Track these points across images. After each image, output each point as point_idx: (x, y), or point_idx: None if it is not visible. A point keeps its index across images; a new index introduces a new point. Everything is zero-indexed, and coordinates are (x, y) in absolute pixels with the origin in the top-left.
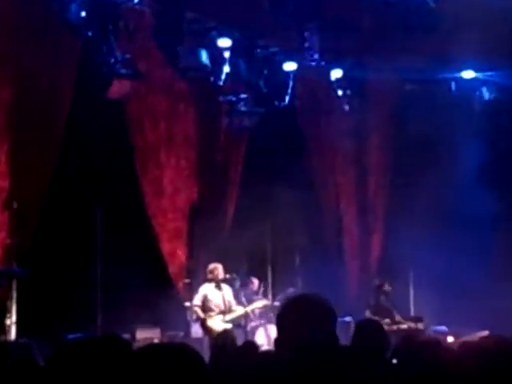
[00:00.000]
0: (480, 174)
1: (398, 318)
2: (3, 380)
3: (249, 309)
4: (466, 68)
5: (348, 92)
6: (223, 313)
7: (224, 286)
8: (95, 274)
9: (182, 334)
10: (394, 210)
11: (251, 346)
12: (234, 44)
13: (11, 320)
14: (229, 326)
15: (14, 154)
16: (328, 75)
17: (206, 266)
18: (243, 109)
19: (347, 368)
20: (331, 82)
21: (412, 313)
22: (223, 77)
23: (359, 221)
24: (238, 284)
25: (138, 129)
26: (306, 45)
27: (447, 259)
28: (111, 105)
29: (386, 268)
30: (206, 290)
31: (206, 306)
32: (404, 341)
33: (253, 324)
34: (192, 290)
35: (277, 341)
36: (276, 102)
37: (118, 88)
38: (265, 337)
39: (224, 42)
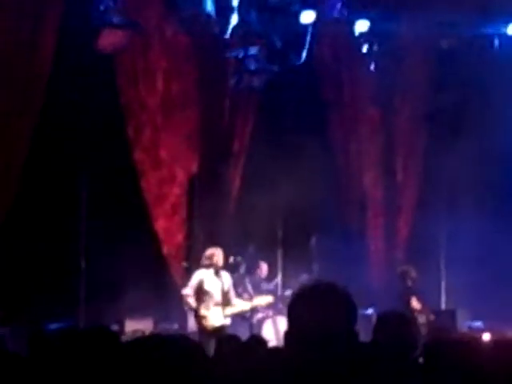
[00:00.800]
0: None
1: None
2: None
3: (249, 306)
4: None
5: (375, 48)
6: (222, 305)
7: (224, 274)
8: (78, 254)
9: (176, 326)
10: (425, 185)
11: (257, 341)
12: None
13: None
14: (228, 321)
15: None
16: (352, 28)
17: (206, 248)
18: (253, 66)
19: (366, 368)
20: (355, 37)
21: (443, 303)
22: (230, 29)
23: (385, 197)
24: (243, 269)
25: (131, 88)
26: None
27: (486, 242)
28: (100, 59)
29: (414, 252)
30: (202, 276)
31: (200, 296)
32: (433, 338)
33: (259, 316)
34: (190, 275)
35: (287, 335)
36: (291, 59)
37: (109, 39)
38: (273, 330)
39: None
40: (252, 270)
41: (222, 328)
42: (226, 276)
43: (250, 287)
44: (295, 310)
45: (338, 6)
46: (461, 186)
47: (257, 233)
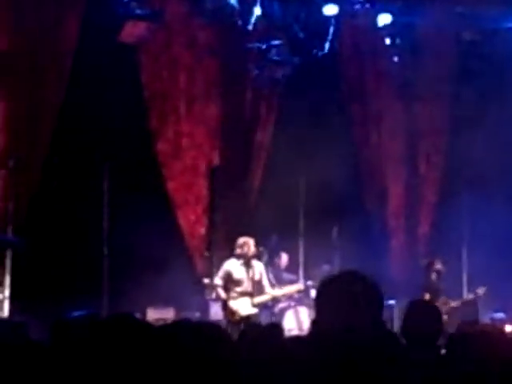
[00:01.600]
0: None
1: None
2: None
3: (279, 293)
4: None
5: (397, 41)
6: (251, 295)
7: (256, 263)
8: (101, 244)
9: (198, 315)
10: (449, 176)
11: (276, 328)
12: None
13: (3, 295)
14: (255, 311)
15: (11, 104)
16: (375, 20)
17: (227, 238)
18: (275, 58)
19: (392, 356)
20: (378, 29)
21: (465, 295)
22: (253, 20)
23: (407, 188)
24: (265, 260)
25: (154, 78)
26: None
27: (509, 233)
28: (123, 50)
29: (436, 243)
30: (231, 266)
31: (229, 286)
32: (459, 329)
33: (281, 306)
34: (212, 264)
35: (314, 323)
36: (314, 51)
37: (132, 31)
38: (295, 320)
39: None
40: (273, 260)
41: (248, 317)
42: (258, 265)
43: (272, 277)
44: (322, 299)
45: None
46: (483, 178)
47: (278, 224)
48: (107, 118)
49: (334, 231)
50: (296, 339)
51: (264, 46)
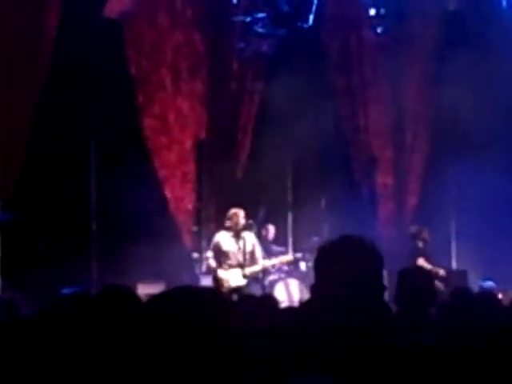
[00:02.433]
0: None
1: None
2: None
3: (270, 263)
4: None
5: (382, 11)
6: (241, 266)
7: (246, 234)
8: (89, 219)
9: None
10: (436, 148)
11: (270, 300)
12: None
13: None
14: (244, 281)
15: None
16: None
17: (215, 212)
18: (260, 31)
19: (392, 322)
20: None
21: (454, 264)
22: None
23: (395, 158)
24: (254, 232)
25: (138, 53)
26: None
27: (496, 203)
28: (107, 25)
29: (424, 213)
30: (220, 238)
31: (219, 258)
32: (453, 296)
33: (271, 278)
34: (200, 239)
35: (314, 288)
36: (298, 23)
37: (117, 5)
38: (285, 292)
39: None
40: (261, 233)
41: (238, 289)
42: (249, 236)
43: (261, 250)
44: (322, 264)
45: None
46: (471, 146)
47: (266, 197)
48: (93, 94)
49: (322, 203)
50: (291, 309)
51: (249, 19)
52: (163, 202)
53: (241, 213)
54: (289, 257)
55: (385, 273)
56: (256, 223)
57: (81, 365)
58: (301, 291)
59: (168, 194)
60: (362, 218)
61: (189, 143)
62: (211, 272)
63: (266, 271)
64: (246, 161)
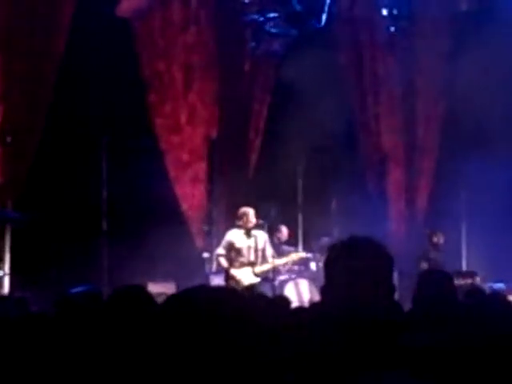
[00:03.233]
0: None
1: None
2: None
3: (280, 262)
4: None
5: (394, 12)
6: (252, 264)
7: (257, 232)
8: (100, 219)
9: None
10: (448, 147)
11: (283, 300)
12: None
13: (4, 271)
14: (257, 280)
15: (7, 79)
16: None
17: (226, 211)
18: (272, 30)
19: (406, 323)
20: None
21: (464, 265)
22: None
23: (405, 161)
24: (264, 231)
25: (150, 52)
26: None
27: (507, 204)
28: (120, 24)
29: (434, 214)
30: (233, 236)
31: (231, 256)
32: (469, 296)
33: (281, 278)
34: (211, 238)
35: (325, 289)
36: (311, 23)
37: (129, 4)
38: (295, 293)
39: None
40: (273, 233)
41: (251, 287)
42: (260, 234)
43: (272, 250)
44: (332, 264)
45: None
46: (483, 146)
47: (277, 196)
48: (105, 92)
49: (333, 204)
50: (303, 309)
51: (261, 19)
52: (174, 201)
53: (250, 211)
54: (300, 253)
55: (395, 273)
56: (267, 223)
57: (93, 363)
58: (311, 291)
59: (179, 193)
60: (372, 218)
61: (200, 142)
62: (222, 270)
63: (276, 271)
64: (256, 161)
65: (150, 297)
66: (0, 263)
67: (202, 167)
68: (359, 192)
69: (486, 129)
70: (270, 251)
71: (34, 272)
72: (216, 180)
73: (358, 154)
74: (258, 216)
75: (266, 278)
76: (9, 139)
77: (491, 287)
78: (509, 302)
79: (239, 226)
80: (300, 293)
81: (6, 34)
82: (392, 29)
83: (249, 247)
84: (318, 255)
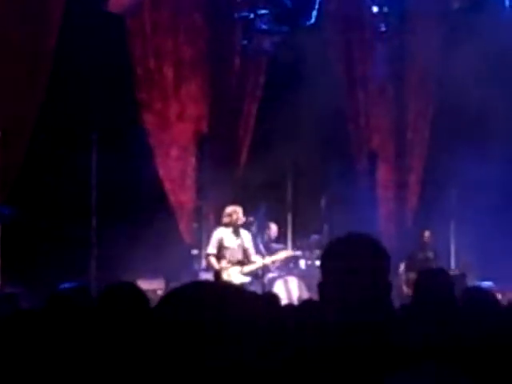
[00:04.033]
0: None
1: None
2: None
3: (269, 260)
4: None
5: (385, 9)
6: (241, 263)
7: (243, 231)
8: (89, 215)
9: None
10: (437, 145)
11: (272, 297)
12: None
13: None
14: (247, 279)
15: None
16: None
17: (216, 209)
18: (263, 27)
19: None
20: None
21: (453, 264)
22: None
23: (395, 156)
24: (255, 229)
25: (140, 48)
26: None
27: (496, 203)
28: (110, 19)
29: (424, 213)
30: (222, 234)
31: (221, 254)
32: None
33: (270, 275)
34: (200, 235)
35: (322, 286)
36: (301, 20)
37: (119, 0)
38: (284, 290)
39: None
40: (262, 230)
41: (240, 286)
42: (245, 234)
43: (261, 247)
44: (329, 262)
45: None
46: (473, 145)
47: (266, 194)
48: (95, 89)
49: (323, 201)
50: (294, 307)
51: (252, 16)
52: (164, 198)
53: (240, 210)
54: (288, 252)
55: None
56: (256, 220)
57: (86, 360)
58: (300, 289)
59: (168, 190)
60: (362, 215)
61: (189, 140)
62: (212, 269)
63: (265, 268)
64: (246, 158)
65: (142, 293)
66: None
67: (191, 164)
68: (349, 189)
69: (477, 126)
70: (252, 250)
71: (23, 268)
72: (205, 177)
73: (347, 151)
74: (246, 214)
75: (255, 275)
76: None
77: (480, 286)
78: (498, 301)
79: (226, 224)
80: (289, 290)
81: None
82: (382, 27)
83: (236, 246)
84: (307, 253)
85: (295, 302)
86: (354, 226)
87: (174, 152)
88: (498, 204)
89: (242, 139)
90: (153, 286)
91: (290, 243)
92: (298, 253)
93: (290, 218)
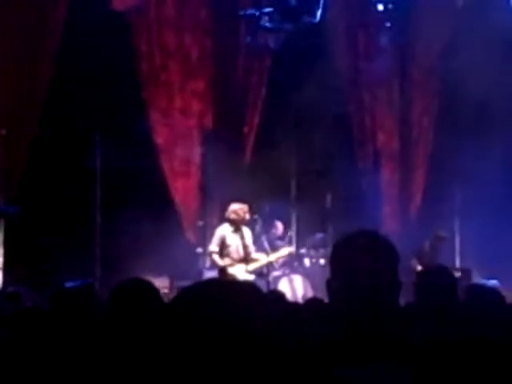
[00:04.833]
0: None
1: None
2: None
3: (272, 258)
4: None
5: (390, 6)
6: (244, 261)
7: (244, 229)
8: (93, 213)
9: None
10: (442, 143)
11: (277, 295)
12: None
13: None
14: (252, 277)
15: (1, 73)
16: None
17: (221, 207)
18: (268, 25)
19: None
20: None
21: (457, 262)
22: None
23: (400, 154)
24: (259, 227)
25: (145, 46)
26: None
27: (501, 200)
28: (114, 17)
29: (428, 211)
30: (224, 231)
31: (223, 252)
32: (470, 294)
33: (275, 274)
34: (205, 233)
35: (330, 283)
36: (306, 18)
37: None
38: (289, 288)
39: None
40: (268, 228)
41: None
42: (246, 231)
43: (266, 245)
44: (339, 258)
45: None
46: (478, 142)
47: (271, 192)
48: (99, 87)
49: (327, 199)
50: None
51: (256, 13)
52: (168, 195)
53: (245, 207)
54: (288, 249)
55: None
56: (261, 218)
57: (93, 358)
58: (304, 287)
59: (172, 187)
60: (366, 214)
61: (194, 137)
62: (216, 267)
63: (270, 267)
64: (251, 156)
65: (156, 290)
66: None
67: (196, 162)
68: (353, 188)
69: (481, 124)
70: (252, 248)
71: (27, 266)
72: (210, 174)
73: (351, 149)
74: (251, 212)
75: (260, 273)
76: (3, 132)
77: (485, 283)
78: (503, 298)
79: (231, 222)
80: (294, 289)
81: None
82: (387, 24)
83: (238, 243)
84: (312, 251)
85: (300, 300)
86: (358, 224)
87: (179, 150)
88: (503, 201)
89: (246, 137)
90: (157, 284)
91: (294, 242)
92: (303, 251)
93: (294, 216)
